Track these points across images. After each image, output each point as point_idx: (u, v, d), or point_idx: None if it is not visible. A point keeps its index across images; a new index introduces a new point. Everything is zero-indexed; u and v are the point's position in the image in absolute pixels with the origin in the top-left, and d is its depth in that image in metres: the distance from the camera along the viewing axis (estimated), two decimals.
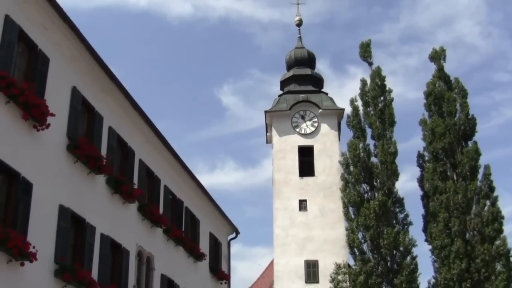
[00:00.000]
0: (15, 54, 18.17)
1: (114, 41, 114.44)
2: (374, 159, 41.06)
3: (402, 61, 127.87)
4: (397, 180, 40.21)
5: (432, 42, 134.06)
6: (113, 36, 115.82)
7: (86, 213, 21.37)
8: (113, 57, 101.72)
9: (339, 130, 53.62)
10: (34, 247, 17.21)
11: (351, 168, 41.08)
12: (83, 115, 22.23)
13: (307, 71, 57.82)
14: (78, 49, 21.42)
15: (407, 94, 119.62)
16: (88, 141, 21.63)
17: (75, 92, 21.27)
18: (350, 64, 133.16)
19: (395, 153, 40.50)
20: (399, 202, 39.80)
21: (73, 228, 20.73)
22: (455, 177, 39.54)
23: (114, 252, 23.62)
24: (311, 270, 48.18)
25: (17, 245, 16.48)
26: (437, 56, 43.46)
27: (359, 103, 43.01)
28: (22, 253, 16.77)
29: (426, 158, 41.27)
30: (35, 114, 18.05)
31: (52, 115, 18.72)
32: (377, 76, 42.96)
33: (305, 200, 50.66)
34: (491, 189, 39.17)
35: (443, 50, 43.60)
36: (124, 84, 24.45)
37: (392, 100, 42.20)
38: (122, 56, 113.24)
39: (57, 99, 19.83)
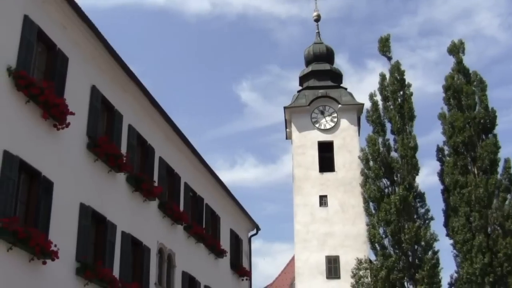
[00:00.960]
0: (35, 54, 18.26)
1: (132, 39, 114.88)
2: (394, 154, 40.88)
3: (421, 55, 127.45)
4: (417, 174, 40.02)
5: (451, 35, 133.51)
6: (131, 34, 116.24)
7: (107, 211, 21.46)
8: (132, 55, 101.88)
9: (358, 125, 53.46)
10: (55, 246, 17.30)
11: (371, 163, 40.93)
12: (103, 113, 22.31)
13: (326, 66, 57.69)
14: (97, 48, 21.50)
15: (427, 87, 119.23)
16: (108, 139, 21.71)
17: (94, 91, 21.36)
18: (369, 58, 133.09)
19: (415, 148, 40.29)
20: (420, 196, 39.58)
21: (94, 226, 20.83)
22: (475, 171, 39.29)
23: (135, 249, 23.70)
24: (332, 266, 48.11)
25: (39, 244, 16.58)
26: (456, 49, 43.14)
27: (378, 97, 42.83)
28: (44, 251, 16.88)
29: (446, 152, 41.01)
30: (55, 113, 18.14)
31: (72, 114, 18.80)
32: (396, 70, 42.75)
33: (326, 196, 50.57)
34: None
35: (461, 43, 43.28)
36: (143, 81, 24.58)
37: (411, 94, 42.00)
38: (140, 54, 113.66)
39: (76, 98, 19.91)
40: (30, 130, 17.57)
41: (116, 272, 21.40)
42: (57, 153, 18.82)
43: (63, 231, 18.58)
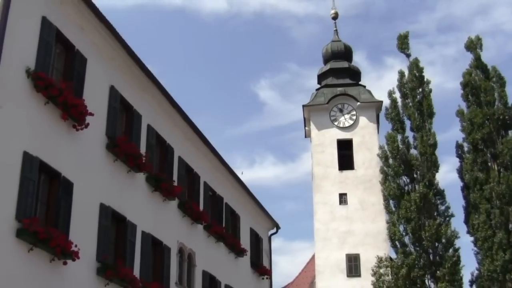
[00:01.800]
0: (53, 55, 18.33)
1: (150, 39, 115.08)
2: (413, 151, 40.77)
3: (439, 51, 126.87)
4: (437, 171, 39.87)
5: (470, 30, 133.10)
6: (148, 34, 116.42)
7: (127, 211, 21.51)
8: (149, 54, 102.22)
9: (377, 122, 53.34)
10: (76, 246, 17.37)
11: (391, 160, 40.85)
12: (122, 113, 22.37)
13: (344, 64, 57.59)
14: (115, 48, 21.56)
15: (446, 84, 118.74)
16: (127, 139, 21.76)
17: (113, 91, 21.42)
18: (387, 55, 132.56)
19: (434, 145, 40.15)
20: (440, 193, 39.43)
21: (114, 226, 20.90)
22: (495, 168, 39.06)
23: (156, 249, 23.75)
24: (353, 264, 48.01)
25: (59, 244, 16.65)
26: (473, 46, 42.90)
27: (397, 95, 42.76)
28: (64, 252, 16.95)
29: (466, 149, 40.82)
30: (74, 114, 18.20)
31: (91, 114, 18.87)
32: (415, 67, 42.63)
33: (345, 194, 50.48)
34: None
35: (479, 39, 43.06)
36: (161, 81, 24.61)
37: (430, 91, 41.87)
38: (158, 54, 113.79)
39: (95, 99, 19.97)
40: (50, 131, 17.65)
41: (136, 272, 21.46)
42: (76, 154, 18.88)
43: (84, 231, 18.66)
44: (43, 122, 17.35)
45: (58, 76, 18.67)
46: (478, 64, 42.27)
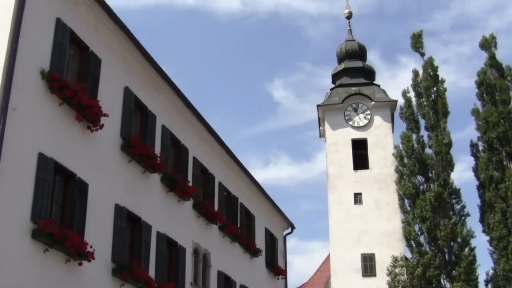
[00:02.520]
0: (67, 57, 18.40)
1: (164, 39, 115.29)
2: (428, 150, 40.68)
3: (454, 49, 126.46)
4: (452, 170, 39.75)
5: (484, 29, 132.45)
6: (162, 34, 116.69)
7: (142, 211, 21.55)
8: (163, 55, 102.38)
9: (392, 122, 53.22)
10: (91, 247, 17.43)
11: (405, 160, 40.75)
12: (136, 114, 22.41)
13: (359, 63, 57.52)
14: (129, 49, 21.60)
15: (460, 82, 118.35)
16: (142, 140, 21.80)
17: (127, 92, 21.46)
18: (401, 54, 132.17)
19: (449, 144, 40.03)
20: (455, 193, 39.31)
21: (129, 227, 20.93)
22: (511, 166, 38.89)
23: (171, 250, 23.79)
24: (368, 264, 47.92)
25: (74, 245, 16.70)
26: (488, 44, 42.75)
27: (411, 94, 42.67)
28: (80, 252, 16.99)
29: (481, 147, 40.69)
30: (89, 115, 18.25)
31: (106, 115, 18.92)
32: (430, 66, 42.51)
33: (360, 193, 50.38)
34: None
35: (493, 38, 42.90)
36: (175, 81, 24.64)
37: (445, 90, 41.75)
38: (172, 54, 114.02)
39: (110, 100, 20.02)
40: (64, 132, 17.70)
41: (151, 273, 21.49)
42: (91, 155, 18.93)
43: (99, 232, 18.70)
44: (58, 124, 17.41)
45: (72, 77, 18.73)
46: (493, 62, 42.14)
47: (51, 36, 17.49)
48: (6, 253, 14.80)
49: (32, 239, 15.69)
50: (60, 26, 17.85)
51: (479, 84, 41.76)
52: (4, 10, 16.04)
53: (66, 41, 18.15)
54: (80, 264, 17.29)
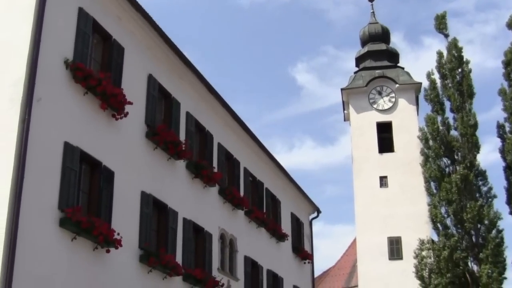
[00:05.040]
0: (91, 46, 18.50)
1: (186, 25, 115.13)
2: (454, 132, 40.35)
3: (478, 29, 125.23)
4: (478, 152, 39.37)
5: (510, 7, 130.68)
6: (184, 21, 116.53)
7: (168, 198, 21.67)
8: (186, 41, 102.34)
9: (417, 104, 52.92)
10: (118, 234, 17.58)
11: (431, 142, 40.47)
12: (160, 102, 22.50)
13: (382, 46, 57.17)
14: (152, 37, 21.67)
15: (486, 63, 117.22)
16: (167, 127, 21.89)
17: (151, 80, 21.54)
18: (425, 35, 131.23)
19: (475, 125, 39.67)
20: (482, 174, 38.96)
21: (155, 213, 21.08)
22: None
23: (197, 235, 23.93)
24: (394, 247, 47.78)
25: (102, 233, 16.85)
26: None
27: (436, 76, 42.26)
28: (107, 240, 17.15)
29: (507, 128, 40.24)
30: (113, 103, 18.37)
31: (130, 103, 19.01)
32: (454, 47, 42.08)
33: (386, 177, 50.17)
34: None
35: None
36: (199, 68, 24.68)
37: (470, 71, 41.31)
38: (194, 40, 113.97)
39: (134, 88, 20.12)
40: (89, 121, 17.82)
41: (179, 259, 21.65)
42: (116, 143, 19.06)
43: (125, 219, 18.84)
44: (82, 113, 17.53)
45: (96, 66, 18.84)
46: None
47: (74, 25, 17.59)
48: (35, 242, 14.98)
49: (60, 228, 15.86)
50: (83, 16, 17.94)
51: (506, 64, 41.22)
52: (27, 1, 16.14)
53: (89, 30, 18.24)
54: (108, 251, 17.45)
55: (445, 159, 39.77)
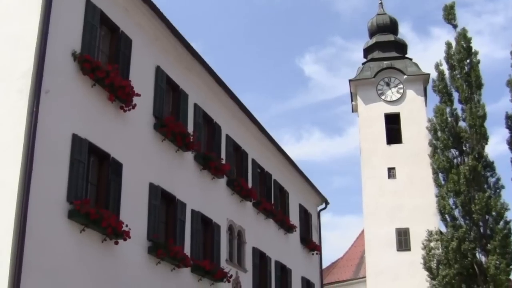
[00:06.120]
0: (98, 38, 18.50)
1: (193, 16, 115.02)
2: (462, 123, 40.24)
3: (487, 20, 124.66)
4: (486, 143, 39.29)
5: None
6: (192, 12, 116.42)
7: (176, 190, 21.69)
8: (193, 32, 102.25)
9: (425, 95, 52.86)
10: (127, 226, 17.61)
11: (439, 133, 40.37)
12: (168, 93, 22.50)
13: (390, 37, 57.08)
14: (160, 28, 21.66)
15: (495, 53, 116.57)
16: (175, 119, 21.91)
17: (159, 72, 21.55)
18: (433, 26, 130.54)
19: (483, 116, 39.55)
20: (490, 166, 38.86)
21: (164, 205, 21.11)
22: None
23: (205, 227, 23.96)
24: (402, 238, 47.81)
25: (110, 225, 16.89)
26: None
27: (444, 67, 42.14)
28: (115, 232, 17.19)
29: None
30: (121, 95, 18.38)
31: (138, 95, 19.02)
32: (463, 38, 41.91)
33: (394, 168, 50.17)
34: None
35: None
36: (206, 59, 24.67)
37: (478, 62, 41.16)
38: (201, 31, 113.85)
39: (141, 79, 20.12)
40: (97, 113, 17.84)
41: (187, 250, 21.68)
42: (124, 135, 19.08)
43: (134, 211, 18.88)
44: (90, 105, 17.55)
45: (104, 58, 18.86)
46: None
47: (81, 17, 17.60)
48: (43, 234, 15.02)
49: (68, 220, 15.90)
50: (90, 7, 17.94)
51: None
52: None
53: (97, 22, 18.24)
54: (116, 243, 17.49)
55: (453, 150, 39.68)
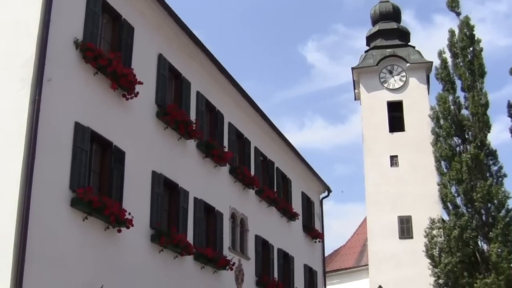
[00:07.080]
0: (100, 26, 18.48)
1: (195, 4, 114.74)
2: (465, 112, 40.18)
3: (491, 7, 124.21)
4: (489, 132, 39.24)
5: None
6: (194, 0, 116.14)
7: (179, 178, 21.71)
8: (195, 20, 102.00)
9: (428, 83, 52.79)
10: (130, 214, 17.63)
11: (442, 121, 40.32)
12: (171, 81, 22.48)
13: (393, 25, 56.93)
14: (162, 16, 21.62)
15: (498, 41, 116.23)
16: (177, 107, 21.90)
17: (161, 59, 21.52)
18: (436, 13, 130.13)
19: (486, 105, 39.50)
20: (492, 154, 38.83)
21: (166, 193, 21.13)
22: None
23: (208, 215, 23.99)
24: (405, 226, 47.85)
25: (113, 213, 16.91)
26: None
27: (447, 55, 42.04)
28: (118, 220, 17.21)
29: None
30: (124, 83, 18.37)
31: (140, 83, 19.01)
32: (466, 26, 41.81)
33: (396, 156, 50.15)
34: None
35: None
36: (209, 47, 24.64)
37: (481, 50, 41.06)
38: (204, 18, 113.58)
39: (144, 67, 20.10)
40: (100, 101, 17.84)
41: (190, 238, 21.72)
42: (127, 123, 19.07)
43: (137, 199, 18.90)
44: (93, 93, 17.55)
45: (106, 46, 18.85)
46: None
47: (83, 5, 17.57)
48: (46, 222, 15.05)
49: (71, 208, 15.93)
50: None
51: None
52: None
53: (99, 10, 18.22)
54: (119, 231, 17.52)
55: (455, 138, 39.64)
